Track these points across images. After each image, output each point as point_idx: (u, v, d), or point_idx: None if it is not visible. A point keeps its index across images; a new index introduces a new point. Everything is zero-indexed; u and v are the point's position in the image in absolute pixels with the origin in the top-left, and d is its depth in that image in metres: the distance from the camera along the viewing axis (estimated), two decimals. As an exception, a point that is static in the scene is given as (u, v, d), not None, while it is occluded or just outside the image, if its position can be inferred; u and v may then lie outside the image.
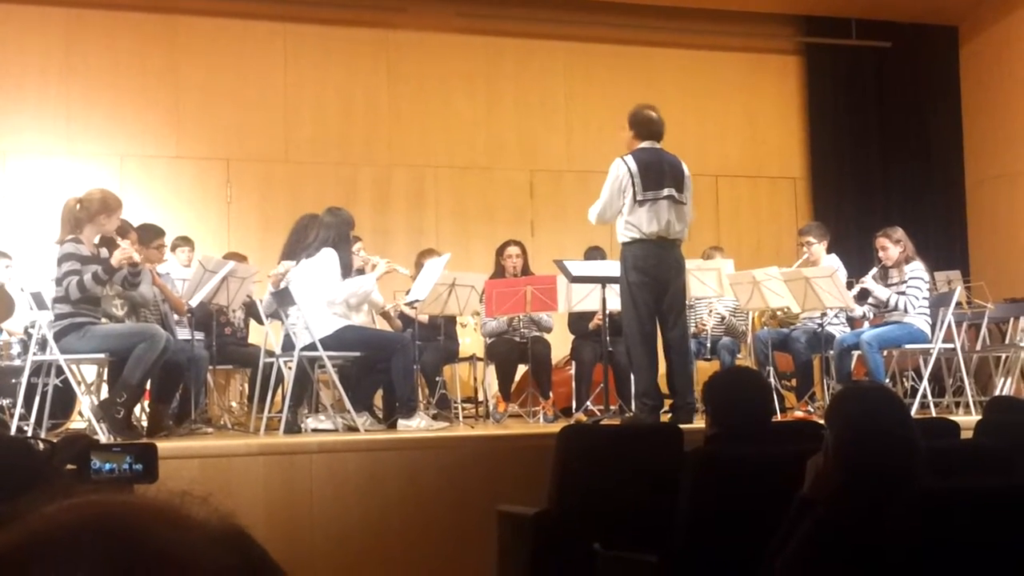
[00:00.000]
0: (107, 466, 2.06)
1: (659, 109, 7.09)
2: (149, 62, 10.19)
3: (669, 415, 7.00)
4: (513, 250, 8.66)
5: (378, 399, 7.41)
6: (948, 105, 12.14)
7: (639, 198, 6.67)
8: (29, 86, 9.87)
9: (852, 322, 8.39)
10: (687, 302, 7.51)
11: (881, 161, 11.95)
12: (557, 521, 4.58)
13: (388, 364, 6.84)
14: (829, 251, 8.48)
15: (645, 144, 6.85)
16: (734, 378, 4.28)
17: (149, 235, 7.40)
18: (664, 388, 7.11)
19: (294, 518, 5.42)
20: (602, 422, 6.96)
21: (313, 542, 5.44)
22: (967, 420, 5.58)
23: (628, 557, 4.05)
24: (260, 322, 7.70)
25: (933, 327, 7.76)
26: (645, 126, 6.90)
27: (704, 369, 8.09)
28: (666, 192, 6.69)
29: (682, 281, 6.94)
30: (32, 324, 6.86)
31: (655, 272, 6.72)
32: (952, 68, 12.21)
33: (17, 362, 7.14)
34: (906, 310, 7.74)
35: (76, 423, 7.23)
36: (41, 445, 1.94)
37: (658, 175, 6.72)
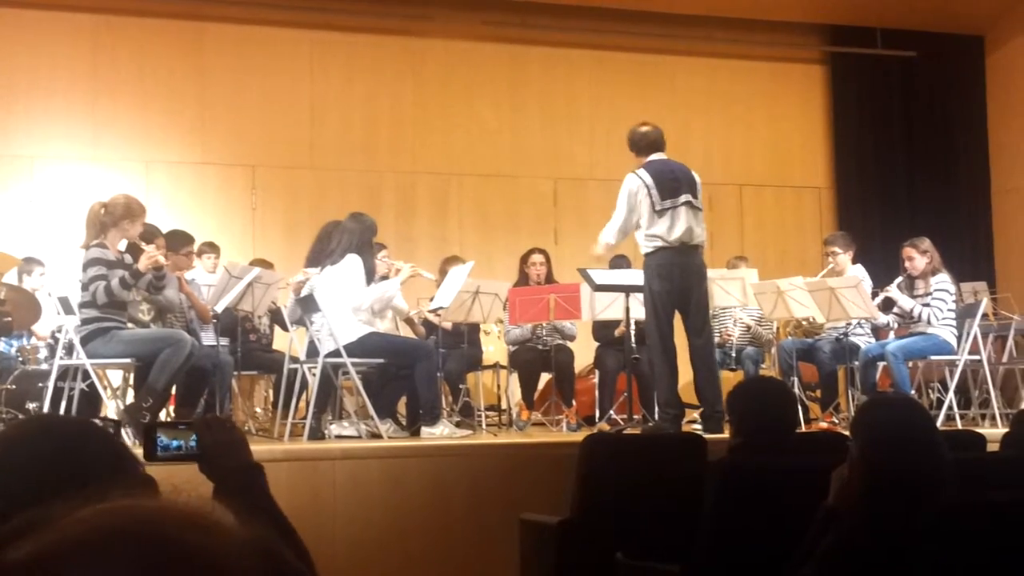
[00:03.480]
0: (174, 443, 2.11)
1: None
2: (176, 69, 10.26)
3: (698, 425, 7.00)
4: (537, 258, 8.67)
5: (401, 406, 7.43)
6: (974, 115, 12.07)
7: (658, 208, 6.73)
8: (57, 93, 9.94)
9: (877, 332, 8.35)
10: (711, 312, 7.50)
11: (906, 171, 11.89)
12: (580, 530, 4.58)
13: (412, 371, 6.85)
14: (855, 261, 8.45)
15: (652, 156, 6.91)
16: (758, 388, 4.26)
17: (178, 241, 7.44)
18: (692, 398, 7.11)
19: (317, 524, 5.43)
20: (625, 431, 6.95)
21: (336, 548, 5.45)
22: (993, 433, 5.54)
23: (651, 567, 4.04)
24: (285, 328, 7.73)
25: (959, 339, 7.72)
26: (642, 141, 6.98)
27: (729, 379, 8.05)
28: (683, 199, 6.75)
29: (705, 288, 6.95)
30: (59, 328, 6.91)
31: (679, 281, 6.75)
32: (978, 78, 12.15)
33: (44, 366, 7.19)
34: (930, 321, 7.70)
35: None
36: (108, 426, 1.99)
37: (673, 183, 6.79)
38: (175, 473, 2.12)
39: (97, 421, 1.96)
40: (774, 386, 4.36)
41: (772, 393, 3.99)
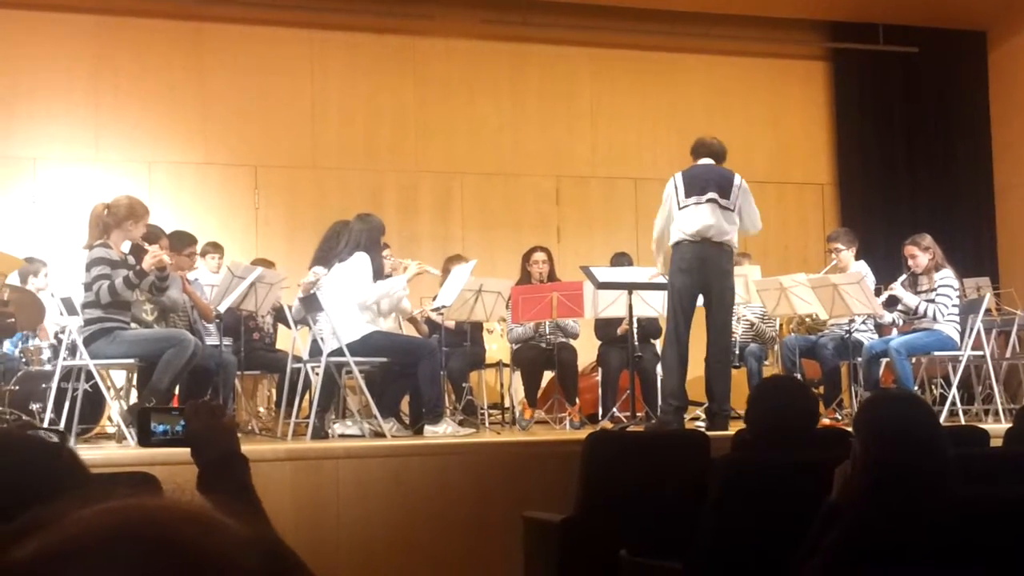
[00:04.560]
0: (160, 428, 2.15)
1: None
2: (177, 69, 10.26)
3: (701, 422, 7.03)
4: (539, 256, 8.67)
5: (405, 405, 7.43)
6: (976, 110, 12.07)
7: (682, 205, 6.90)
8: (58, 94, 9.95)
9: (880, 329, 8.35)
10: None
11: (909, 167, 11.89)
12: (583, 528, 4.58)
13: (415, 370, 6.86)
14: (858, 257, 8.45)
15: (700, 162, 7.11)
16: (784, 387, 4.20)
17: (181, 242, 7.45)
18: (697, 395, 7.13)
19: (321, 523, 5.44)
20: (628, 429, 6.96)
21: (339, 547, 5.46)
22: (997, 428, 5.54)
23: (654, 564, 4.04)
24: (288, 327, 7.74)
25: (962, 334, 7.72)
26: (700, 147, 7.22)
27: (732, 376, 8.06)
28: (708, 196, 6.84)
29: (727, 286, 6.96)
30: (62, 329, 6.92)
31: (698, 275, 6.83)
32: (980, 73, 12.14)
33: (47, 367, 7.19)
34: (935, 318, 7.69)
35: (106, 427, 7.28)
36: (55, 437, 1.98)
37: (703, 183, 6.94)
38: (178, 473, 2.13)
39: (46, 434, 1.95)
40: (797, 387, 4.29)
41: (796, 395, 3.92)
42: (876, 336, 8.22)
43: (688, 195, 6.90)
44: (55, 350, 7.12)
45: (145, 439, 2.19)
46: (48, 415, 6.41)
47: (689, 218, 6.86)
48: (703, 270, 6.85)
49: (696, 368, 7.07)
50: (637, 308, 7.60)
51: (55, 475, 1.48)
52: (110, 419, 7.21)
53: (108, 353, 6.24)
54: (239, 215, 10.26)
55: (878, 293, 7.87)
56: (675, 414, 6.77)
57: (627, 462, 4.73)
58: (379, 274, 7.07)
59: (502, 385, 8.74)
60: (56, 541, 0.73)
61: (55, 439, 1.87)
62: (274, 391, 8.44)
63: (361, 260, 6.90)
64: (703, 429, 6.34)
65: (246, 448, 2.22)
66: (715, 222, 6.83)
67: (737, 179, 7.01)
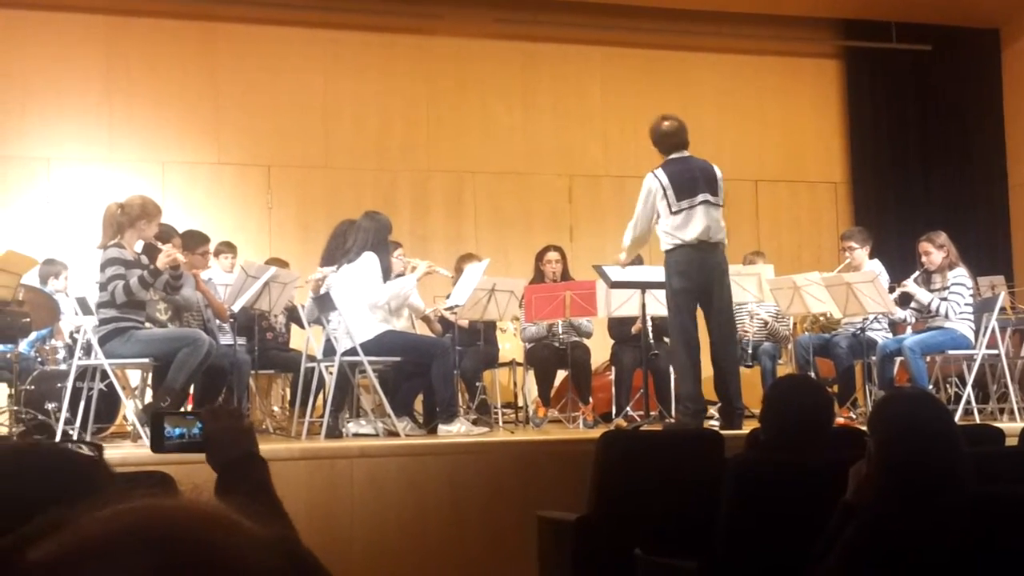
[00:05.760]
0: (177, 431, 2.12)
1: (678, 114, 7.12)
2: (189, 69, 10.29)
3: (715, 421, 7.00)
4: (552, 255, 8.67)
5: (418, 404, 7.44)
6: (990, 108, 12.02)
7: (674, 209, 6.72)
8: (71, 94, 9.98)
9: (894, 327, 8.32)
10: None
11: (922, 165, 11.85)
12: (597, 527, 4.57)
13: (428, 369, 6.86)
14: (872, 256, 8.43)
15: (674, 155, 6.89)
16: (796, 386, 4.18)
17: (194, 241, 7.47)
18: (711, 394, 7.10)
19: (335, 522, 5.45)
20: (642, 428, 6.95)
21: (353, 546, 5.46)
22: (1012, 427, 5.52)
23: (668, 563, 4.03)
24: (302, 327, 7.75)
25: (976, 333, 7.69)
26: (667, 139, 6.97)
27: (745, 375, 8.03)
28: (700, 198, 6.72)
29: (726, 284, 6.93)
30: (77, 329, 6.94)
31: (698, 277, 6.74)
32: (994, 71, 12.09)
33: (62, 366, 7.22)
34: (947, 315, 7.67)
35: (125, 427, 7.30)
36: (87, 449, 1.96)
37: (691, 182, 6.76)
38: (195, 472, 2.13)
39: (81, 447, 1.94)
40: (815, 386, 4.26)
41: (813, 394, 3.90)
42: (890, 335, 8.19)
43: (680, 197, 6.70)
44: (70, 350, 7.15)
45: (159, 444, 2.15)
46: (63, 415, 6.43)
47: (685, 223, 6.69)
48: (701, 272, 6.76)
49: (706, 368, 7.05)
50: (650, 307, 7.59)
51: (94, 489, 1.47)
52: (125, 418, 7.23)
53: (123, 352, 6.26)
54: (252, 215, 10.28)
55: (891, 291, 7.85)
56: (693, 418, 6.70)
57: (641, 461, 4.72)
58: (388, 273, 7.08)
59: (515, 384, 8.74)
60: (73, 542, 0.73)
61: (92, 453, 1.87)
62: (288, 390, 8.45)
63: (370, 260, 6.91)
64: (717, 428, 6.32)
65: (261, 447, 2.21)
66: (711, 223, 6.72)
67: (718, 171, 6.94)
